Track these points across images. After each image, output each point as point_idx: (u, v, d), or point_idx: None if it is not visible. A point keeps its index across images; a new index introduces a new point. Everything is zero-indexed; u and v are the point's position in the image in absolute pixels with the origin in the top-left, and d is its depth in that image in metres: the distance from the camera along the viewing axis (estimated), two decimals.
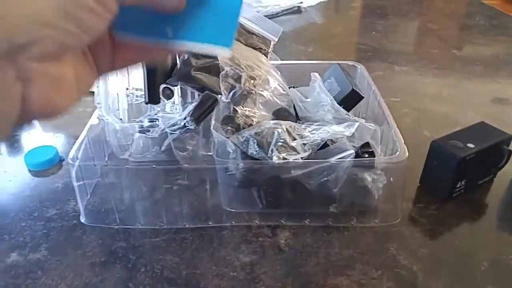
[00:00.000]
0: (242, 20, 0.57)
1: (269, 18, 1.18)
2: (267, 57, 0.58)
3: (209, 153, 0.52)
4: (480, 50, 1.01)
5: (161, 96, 0.50)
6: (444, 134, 0.51)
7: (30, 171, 0.54)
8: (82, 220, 0.46)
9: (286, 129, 0.46)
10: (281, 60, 0.66)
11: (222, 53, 0.22)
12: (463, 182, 0.49)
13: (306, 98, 0.56)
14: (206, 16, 0.22)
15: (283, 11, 1.22)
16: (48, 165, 0.55)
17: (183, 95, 0.53)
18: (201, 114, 0.47)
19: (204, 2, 0.22)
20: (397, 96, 0.75)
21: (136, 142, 0.53)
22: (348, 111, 0.54)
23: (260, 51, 0.58)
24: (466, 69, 0.90)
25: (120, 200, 0.47)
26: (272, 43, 0.59)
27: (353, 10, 1.36)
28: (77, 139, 0.47)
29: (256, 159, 0.44)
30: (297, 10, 1.24)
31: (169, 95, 0.51)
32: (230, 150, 0.45)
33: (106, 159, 0.54)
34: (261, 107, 0.52)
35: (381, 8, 1.34)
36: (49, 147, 0.57)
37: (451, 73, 0.88)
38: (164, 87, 0.50)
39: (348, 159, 0.43)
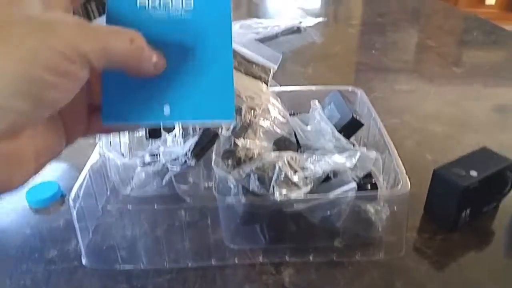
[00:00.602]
0: (241, 49, 0.57)
1: (269, 39, 1.19)
2: (267, 85, 0.58)
3: (210, 185, 0.52)
4: (479, 66, 1.01)
5: (162, 130, 0.50)
6: (446, 156, 0.51)
7: (31, 208, 0.54)
8: (84, 261, 0.45)
9: (287, 161, 0.45)
10: (281, 85, 0.66)
11: (225, 124, 0.22)
12: (467, 211, 0.49)
13: (307, 126, 0.56)
14: (201, 88, 0.22)
15: (282, 31, 1.22)
16: (49, 202, 0.54)
17: (184, 127, 0.53)
18: (201, 149, 0.47)
19: (196, 72, 0.22)
20: (398, 117, 0.75)
21: (138, 176, 0.53)
22: (349, 138, 0.54)
23: (260, 80, 0.58)
24: (466, 86, 0.90)
25: (122, 239, 0.46)
26: (272, 71, 0.59)
27: (352, 27, 1.37)
28: (78, 171, 0.47)
29: (258, 194, 0.43)
30: (296, 30, 1.25)
31: (170, 129, 0.51)
32: (232, 186, 0.45)
33: (108, 193, 0.54)
34: (262, 136, 0.52)
35: (379, 25, 1.34)
36: (50, 183, 0.57)
37: (451, 92, 0.87)
38: None
39: (351, 192, 0.42)
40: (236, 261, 0.45)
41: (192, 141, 0.49)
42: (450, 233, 0.48)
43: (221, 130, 0.49)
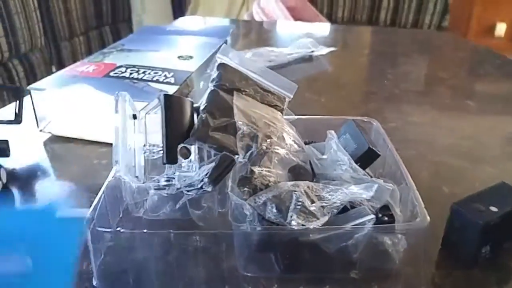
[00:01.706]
0: (258, 78, 0.58)
1: (281, 67, 1.20)
2: (282, 113, 0.59)
3: (224, 210, 0.51)
4: (492, 99, 1.02)
5: (178, 156, 0.50)
6: (463, 189, 0.50)
7: None
8: (95, 283, 0.45)
9: (304, 190, 0.45)
10: (296, 113, 0.67)
11: None
12: (488, 247, 0.48)
13: (322, 155, 0.56)
14: None
15: (295, 59, 1.24)
16: None
17: (200, 153, 0.53)
18: (218, 175, 0.47)
19: None
20: (413, 149, 0.74)
21: (151, 199, 0.53)
22: (364, 169, 0.54)
23: (275, 108, 0.58)
24: (480, 119, 0.89)
25: (133, 262, 0.46)
26: (287, 100, 0.60)
27: (363, 57, 1.39)
28: (91, 192, 0.47)
29: (274, 223, 0.43)
30: (308, 59, 1.26)
31: (186, 154, 0.51)
32: (247, 213, 0.45)
33: (121, 215, 0.54)
34: (277, 164, 0.52)
35: (391, 56, 1.36)
36: (63, 203, 0.57)
37: (465, 124, 0.87)
38: (182, 147, 0.50)
39: (369, 224, 0.42)
40: None
41: (208, 166, 0.49)
42: (469, 269, 0.48)
43: (237, 156, 0.49)
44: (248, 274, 0.45)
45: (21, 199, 0.60)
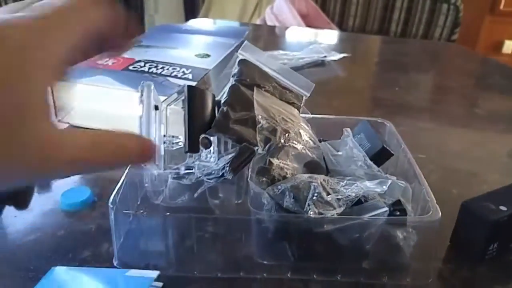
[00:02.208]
0: (277, 75, 0.59)
1: (294, 70, 1.22)
2: (299, 111, 0.60)
3: (240, 201, 0.53)
4: (501, 109, 1.03)
5: (200, 146, 0.52)
6: (472, 192, 0.51)
7: (63, 211, 0.56)
8: (115, 263, 0.47)
9: (321, 182, 0.47)
10: (311, 113, 0.68)
11: None
12: (495, 245, 0.49)
13: (338, 152, 0.58)
14: None
15: (307, 63, 1.26)
16: (81, 206, 0.56)
17: (218, 146, 0.55)
18: (239, 164, 0.49)
19: None
20: (423, 152, 0.76)
21: (170, 187, 0.54)
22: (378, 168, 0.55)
23: (293, 106, 0.60)
24: (488, 128, 0.91)
25: (153, 245, 0.47)
26: (304, 98, 0.61)
27: (375, 65, 1.40)
28: (108, 181, 0.48)
29: (291, 212, 0.44)
30: (320, 64, 1.28)
31: (207, 144, 0.53)
32: (265, 202, 0.46)
33: (139, 202, 0.55)
34: (293, 159, 0.53)
35: (401, 65, 1.37)
36: (83, 188, 0.59)
37: (474, 132, 0.89)
38: (203, 137, 0.52)
39: (383, 216, 0.43)
40: (265, 275, 0.46)
41: (228, 157, 0.50)
42: (476, 266, 0.49)
43: (257, 148, 0.51)
44: (263, 262, 0.47)
45: (38, 188, 0.62)
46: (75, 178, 0.63)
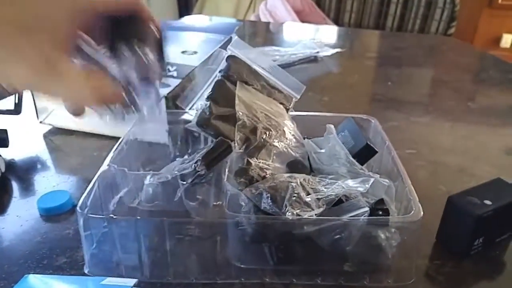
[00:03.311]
0: (267, 74, 0.58)
1: (286, 67, 1.20)
2: (287, 112, 0.59)
3: (219, 203, 0.52)
4: (495, 103, 1.01)
5: None
6: (460, 188, 0.50)
7: (41, 215, 0.54)
8: (86, 271, 0.45)
9: (300, 182, 0.45)
10: (297, 111, 0.67)
11: None
12: (481, 240, 0.48)
13: (321, 149, 0.56)
14: None
15: (300, 59, 1.24)
16: (60, 211, 0.55)
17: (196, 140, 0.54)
18: (213, 159, 0.47)
19: None
20: (413, 147, 0.74)
21: (146, 189, 0.53)
22: (362, 165, 0.54)
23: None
24: (481, 121, 0.89)
25: (126, 250, 0.46)
26: (294, 100, 0.60)
27: (368, 60, 1.38)
28: (89, 183, 0.47)
29: (269, 213, 0.43)
30: (313, 60, 1.26)
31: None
32: (243, 204, 0.45)
33: (115, 206, 0.54)
34: (275, 158, 0.52)
35: (395, 59, 1.35)
36: (62, 192, 0.57)
37: (466, 126, 0.87)
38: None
39: (363, 217, 0.42)
40: (243, 280, 0.44)
41: (204, 151, 0.49)
42: (462, 261, 0.48)
43: (235, 146, 0.49)
44: (241, 266, 0.45)
45: (19, 189, 0.61)
46: (54, 183, 0.62)
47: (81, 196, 0.55)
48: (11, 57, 0.31)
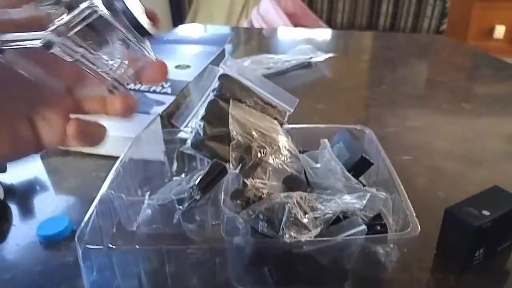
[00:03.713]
0: (259, 90, 0.58)
1: (280, 74, 1.21)
2: (282, 127, 0.59)
3: (217, 222, 0.52)
4: (489, 102, 1.02)
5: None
6: (458, 194, 0.50)
7: (41, 243, 0.54)
8: None
9: (297, 201, 0.45)
10: (293, 121, 0.67)
11: None
12: (481, 250, 0.48)
13: (316, 164, 0.56)
14: None
15: (293, 66, 1.24)
16: (59, 237, 0.55)
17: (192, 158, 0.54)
18: (208, 183, 0.47)
19: None
20: (409, 154, 0.75)
21: (144, 212, 0.53)
22: (358, 178, 0.54)
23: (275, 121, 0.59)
24: (476, 122, 0.89)
25: (127, 277, 0.46)
26: (287, 114, 0.60)
27: (362, 62, 1.39)
28: (89, 206, 0.47)
29: (267, 236, 0.43)
30: (307, 65, 1.27)
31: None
32: (240, 226, 0.45)
33: (114, 230, 0.54)
34: (271, 175, 0.52)
35: (389, 61, 1.36)
36: (61, 218, 0.57)
37: (462, 128, 0.88)
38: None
39: (360, 235, 0.42)
40: None
41: (199, 173, 0.49)
42: (464, 273, 0.48)
43: (230, 167, 0.50)
44: (242, 287, 0.45)
45: (19, 215, 0.61)
46: (53, 207, 0.62)
47: (80, 220, 0.55)
48: None
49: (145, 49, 0.33)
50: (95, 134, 0.35)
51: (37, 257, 0.52)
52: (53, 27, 0.27)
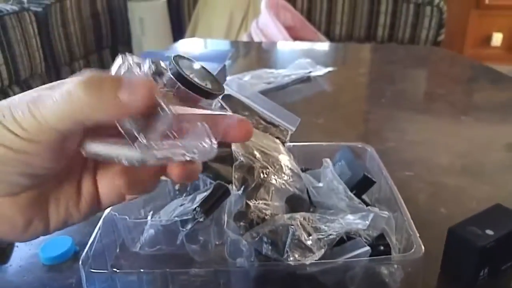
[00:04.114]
0: (261, 109, 0.58)
1: (280, 89, 1.21)
2: (284, 146, 0.59)
3: (220, 242, 0.52)
4: (487, 116, 1.02)
5: None
6: (460, 210, 0.51)
7: (44, 265, 0.54)
8: None
9: (301, 222, 0.46)
10: (294, 136, 0.67)
11: None
12: (485, 270, 0.48)
13: (319, 183, 0.57)
14: None
15: (293, 81, 1.25)
16: (62, 259, 0.55)
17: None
18: (211, 205, 0.48)
19: None
20: (410, 170, 0.75)
21: (147, 233, 0.53)
22: (360, 196, 0.54)
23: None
24: (475, 136, 0.90)
25: None
26: (289, 133, 0.60)
27: (361, 76, 1.40)
28: (92, 226, 0.47)
29: (270, 258, 0.43)
30: (306, 80, 1.27)
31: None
32: (244, 249, 0.45)
33: (118, 250, 0.54)
34: (274, 196, 0.52)
35: (387, 74, 1.37)
36: (64, 239, 0.57)
37: (461, 142, 0.88)
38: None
39: (364, 256, 0.42)
40: None
41: (202, 195, 0.49)
42: None
43: (233, 188, 0.50)
44: None
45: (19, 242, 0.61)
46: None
47: (83, 241, 0.55)
48: None
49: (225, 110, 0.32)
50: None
51: (40, 279, 0.52)
52: (145, 147, 0.26)
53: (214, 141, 0.28)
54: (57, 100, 0.24)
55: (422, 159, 0.80)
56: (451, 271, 0.50)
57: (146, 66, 0.28)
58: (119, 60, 0.27)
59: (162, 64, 0.29)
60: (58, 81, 0.26)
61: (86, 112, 0.24)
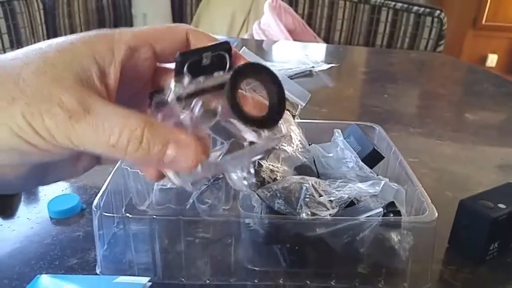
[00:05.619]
0: None
1: None
2: (294, 119, 0.59)
3: (228, 207, 0.52)
4: (493, 115, 1.03)
5: None
6: (467, 194, 0.50)
7: (51, 218, 0.54)
8: (98, 271, 0.45)
9: (312, 185, 0.46)
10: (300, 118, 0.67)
11: None
12: (496, 244, 0.48)
13: (329, 154, 0.57)
14: None
15: (295, 74, 1.25)
16: (69, 214, 0.54)
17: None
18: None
19: None
20: (415, 156, 0.75)
21: (156, 193, 0.53)
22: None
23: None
24: (482, 133, 0.91)
25: (140, 251, 0.46)
26: (299, 107, 0.61)
27: (363, 74, 1.41)
28: (97, 188, 0.47)
29: (283, 214, 0.43)
30: (308, 74, 1.28)
31: None
32: (255, 205, 0.45)
33: (124, 208, 0.54)
34: (283, 162, 0.52)
35: (389, 74, 1.38)
36: (71, 196, 0.57)
37: (467, 136, 0.89)
38: None
39: (377, 216, 0.42)
40: (256, 282, 0.44)
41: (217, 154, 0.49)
42: (477, 267, 0.48)
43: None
44: (255, 268, 0.45)
45: (29, 193, 0.60)
46: (63, 186, 0.61)
47: (89, 200, 0.55)
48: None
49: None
50: None
51: (48, 231, 0.52)
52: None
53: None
54: (99, 139, 0.23)
55: (426, 149, 0.80)
56: (460, 245, 0.50)
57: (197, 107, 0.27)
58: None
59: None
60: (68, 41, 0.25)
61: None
